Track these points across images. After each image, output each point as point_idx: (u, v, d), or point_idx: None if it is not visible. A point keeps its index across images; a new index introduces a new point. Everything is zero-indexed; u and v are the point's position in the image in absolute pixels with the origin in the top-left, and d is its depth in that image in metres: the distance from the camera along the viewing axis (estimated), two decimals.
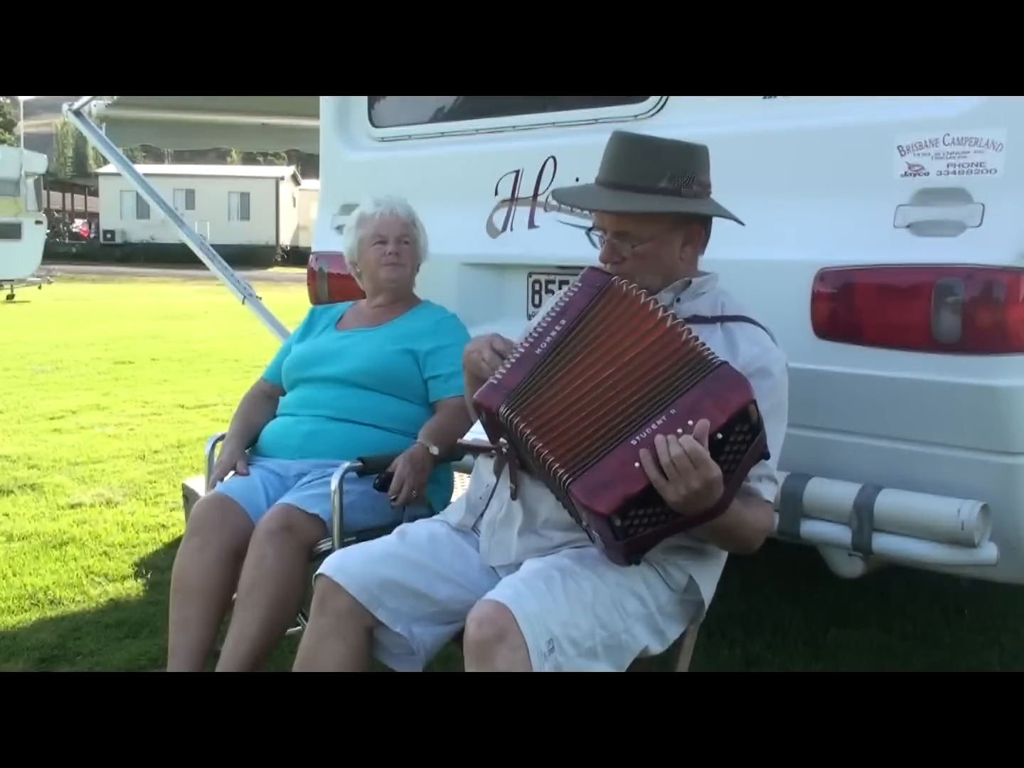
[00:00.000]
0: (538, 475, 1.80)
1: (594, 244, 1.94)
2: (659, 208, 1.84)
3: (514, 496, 1.89)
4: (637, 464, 1.58)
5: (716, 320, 1.89)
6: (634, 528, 1.62)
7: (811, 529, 2.21)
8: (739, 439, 1.62)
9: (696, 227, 1.92)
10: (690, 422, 1.57)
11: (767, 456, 1.71)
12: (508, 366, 1.76)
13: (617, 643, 1.76)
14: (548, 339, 1.75)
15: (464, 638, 1.67)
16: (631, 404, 1.65)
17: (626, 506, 1.59)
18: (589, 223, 2.09)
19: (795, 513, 2.20)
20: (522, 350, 1.77)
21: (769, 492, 1.82)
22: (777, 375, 1.84)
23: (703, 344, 1.66)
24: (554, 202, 2.59)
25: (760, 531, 1.80)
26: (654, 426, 1.60)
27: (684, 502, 1.58)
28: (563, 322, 1.76)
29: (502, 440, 1.82)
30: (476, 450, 1.97)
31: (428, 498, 2.47)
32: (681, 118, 2.44)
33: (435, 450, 2.41)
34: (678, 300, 1.90)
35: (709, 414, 1.58)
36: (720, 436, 1.58)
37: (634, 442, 1.60)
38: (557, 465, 1.64)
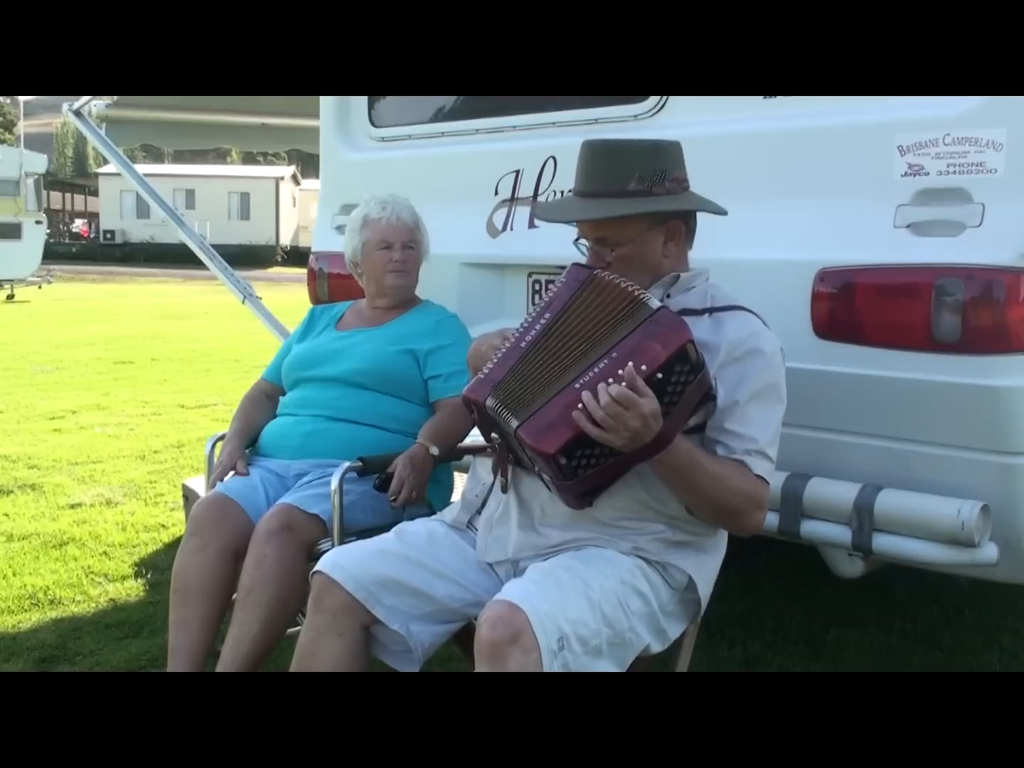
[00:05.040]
0: (521, 457, 1.81)
1: (582, 253, 1.94)
2: (627, 211, 1.84)
3: (504, 489, 1.90)
4: (581, 406, 1.64)
5: (705, 311, 1.88)
6: (581, 468, 1.68)
7: (811, 529, 2.21)
8: (680, 379, 1.68)
9: (675, 223, 1.90)
10: (630, 363, 1.63)
11: (714, 398, 1.75)
12: (495, 361, 1.81)
13: (621, 641, 1.77)
14: (533, 332, 1.80)
15: (475, 639, 1.66)
16: (579, 355, 1.72)
17: (572, 446, 1.65)
18: None
19: (795, 513, 2.20)
20: (508, 345, 1.82)
21: (760, 467, 1.79)
22: (769, 354, 1.83)
23: (645, 293, 1.73)
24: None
25: (748, 498, 1.78)
26: (596, 369, 1.67)
27: (629, 443, 1.64)
28: (548, 315, 1.81)
29: (493, 435, 1.85)
30: (474, 451, 1.99)
31: (428, 498, 2.47)
32: (681, 118, 2.44)
33: (435, 450, 2.41)
34: (668, 295, 1.90)
35: (650, 354, 1.64)
36: (660, 376, 1.65)
37: (577, 385, 1.67)
38: (512, 419, 1.70)
